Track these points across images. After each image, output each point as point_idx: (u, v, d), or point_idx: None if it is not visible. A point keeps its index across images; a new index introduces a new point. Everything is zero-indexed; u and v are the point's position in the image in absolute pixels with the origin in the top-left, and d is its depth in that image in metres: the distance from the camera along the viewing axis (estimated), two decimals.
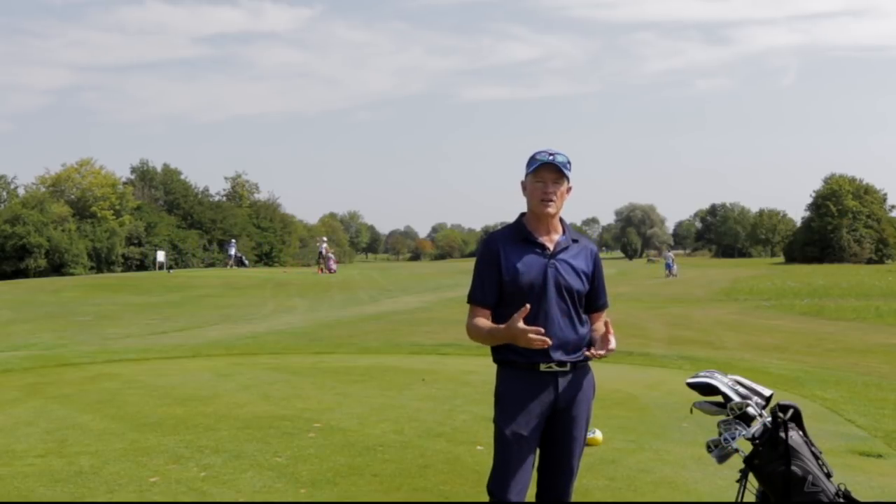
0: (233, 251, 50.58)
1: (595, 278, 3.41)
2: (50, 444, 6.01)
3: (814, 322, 19.73)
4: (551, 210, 3.31)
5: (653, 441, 6.21)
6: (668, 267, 45.14)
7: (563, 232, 3.40)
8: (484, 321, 3.31)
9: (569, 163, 3.32)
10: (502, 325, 3.20)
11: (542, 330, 3.14)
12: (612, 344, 3.24)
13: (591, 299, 3.42)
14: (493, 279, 3.31)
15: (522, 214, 3.43)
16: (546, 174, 3.29)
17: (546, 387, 3.26)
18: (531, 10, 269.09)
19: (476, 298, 3.34)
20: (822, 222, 76.35)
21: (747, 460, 3.44)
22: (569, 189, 3.38)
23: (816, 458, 3.40)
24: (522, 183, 3.39)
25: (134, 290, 29.54)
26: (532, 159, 3.32)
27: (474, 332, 3.35)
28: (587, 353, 3.28)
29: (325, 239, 49.05)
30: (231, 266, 47.43)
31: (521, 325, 3.12)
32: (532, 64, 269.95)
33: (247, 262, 54.70)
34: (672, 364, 10.90)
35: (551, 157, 3.28)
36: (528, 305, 3.18)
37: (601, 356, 3.24)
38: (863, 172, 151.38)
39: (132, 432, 6.37)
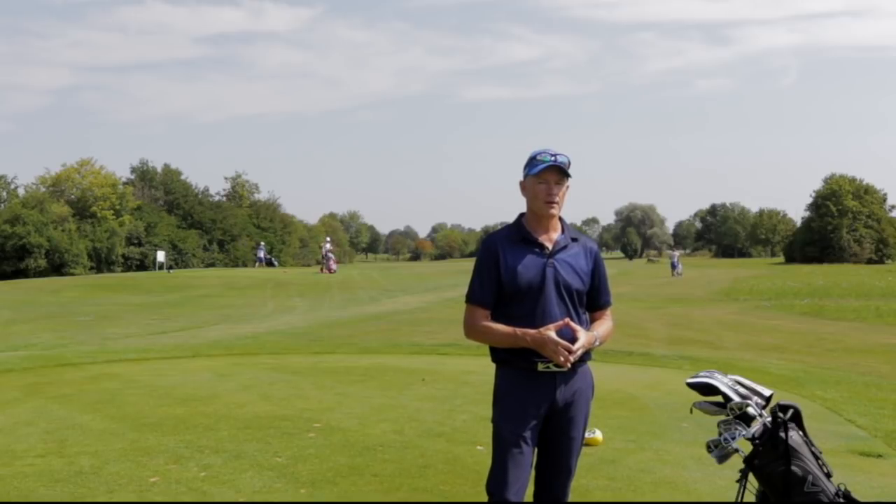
0: (262, 253, 52.06)
1: (596, 277, 3.41)
2: (50, 444, 6.01)
3: (814, 322, 19.73)
4: (555, 211, 3.34)
5: (653, 441, 6.21)
6: (674, 266, 45.46)
7: (563, 231, 3.41)
8: (496, 324, 3.29)
9: (569, 162, 3.34)
10: (530, 330, 3.20)
11: (573, 348, 3.15)
12: (576, 344, 3.18)
13: (593, 298, 3.42)
14: (492, 279, 3.31)
15: (521, 215, 3.44)
16: (549, 175, 3.31)
17: (544, 387, 3.26)
18: (531, 10, 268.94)
19: (475, 298, 3.35)
20: (822, 222, 76.30)
21: (747, 460, 3.44)
22: (567, 188, 3.40)
23: (816, 458, 3.40)
24: (521, 183, 3.40)
25: (134, 290, 29.56)
26: (533, 160, 3.33)
27: (482, 331, 3.32)
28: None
29: (329, 239, 49.48)
30: (259, 267, 48.64)
31: (553, 334, 3.15)
32: (532, 64, 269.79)
33: (276, 262, 55.37)
34: (672, 364, 10.91)
35: (554, 159, 3.29)
36: (567, 319, 3.22)
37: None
38: (863, 172, 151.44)
39: (132, 432, 6.37)
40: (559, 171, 3.30)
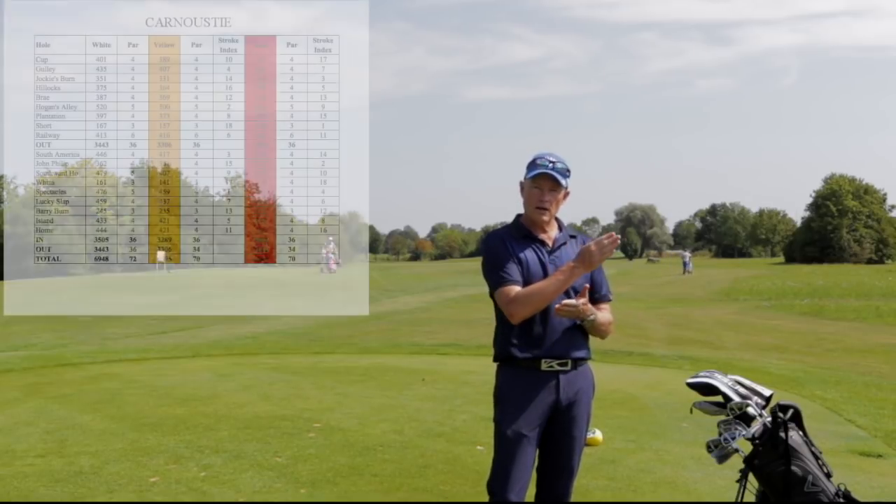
0: (325, 252, 53.11)
1: (594, 271, 3.41)
2: (50, 444, 6.01)
3: (814, 322, 19.71)
4: (545, 218, 3.34)
5: (653, 441, 6.21)
6: (685, 265, 48.06)
7: (560, 229, 3.43)
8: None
9: (568, 170, 3.33)
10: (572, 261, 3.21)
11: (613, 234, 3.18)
12: (592, 311, 3.23)
13: (592, 291, 3.41)
14: (513, 261, 3.26)
15: (519, 216, 3.45)
16: (543, 182, 3.30)
17: (547, 386, 3.26)
18: (533, 10, 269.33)
19: (505, 280, 3.24)
20: (822, 222, 76.38)
21: (747, 460, 3.44)
22: (566, 194, 3.39)
23: (816, 458, 3.39)
24: (521, 183, 3.40)
25: (134, 290, 29.55)
26: (533, 164, 3.32)
27: (529, 293, 3.20)
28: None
29: (330, 239, 49.70)
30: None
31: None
32: (533, 64, 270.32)
33: (340, 261, 56.50)
34: (672, 364, 10.90)
35: (551, 166, 3.29)
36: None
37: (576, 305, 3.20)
38: (863, 172, 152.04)
39: (132, 432, 6.37)
40: (553, 179, 3.30)
